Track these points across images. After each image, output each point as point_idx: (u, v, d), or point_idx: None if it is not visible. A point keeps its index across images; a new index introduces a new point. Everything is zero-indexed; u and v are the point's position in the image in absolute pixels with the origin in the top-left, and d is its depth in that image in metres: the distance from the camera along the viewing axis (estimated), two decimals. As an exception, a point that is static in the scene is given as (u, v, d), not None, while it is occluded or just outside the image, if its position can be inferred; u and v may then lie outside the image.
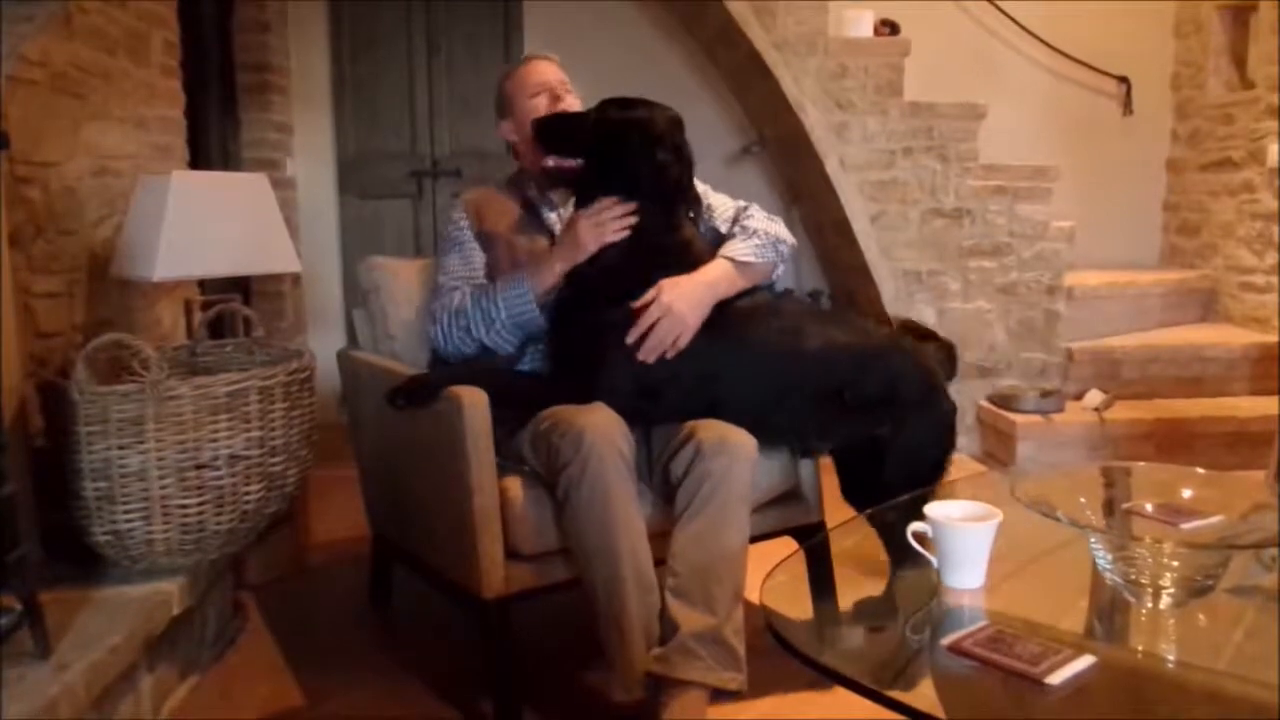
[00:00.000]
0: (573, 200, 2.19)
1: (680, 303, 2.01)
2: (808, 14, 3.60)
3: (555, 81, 2.32)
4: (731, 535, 1.86)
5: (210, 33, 3.91)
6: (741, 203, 2.30)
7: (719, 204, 2.30)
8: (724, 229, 2.24)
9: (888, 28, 3.88)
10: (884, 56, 3.70)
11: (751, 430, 1.97)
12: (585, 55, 4.48)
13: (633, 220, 2.07)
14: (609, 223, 2.07)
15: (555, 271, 2.10)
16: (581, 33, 4.55)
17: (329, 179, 4.63)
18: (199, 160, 3.39)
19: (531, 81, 2.32)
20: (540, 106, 2.28)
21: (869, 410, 2.03)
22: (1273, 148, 3.83)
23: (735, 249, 2.13)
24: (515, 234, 2.27)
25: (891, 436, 2.02)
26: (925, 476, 2.01)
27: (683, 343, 2.01)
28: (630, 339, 2.00)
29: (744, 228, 2.19)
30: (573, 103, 2.30)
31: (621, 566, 1.81)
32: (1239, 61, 4.32)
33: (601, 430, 1.86)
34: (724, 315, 2.06)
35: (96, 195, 2.49)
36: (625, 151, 2.08)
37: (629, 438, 1.91)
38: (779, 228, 2.23)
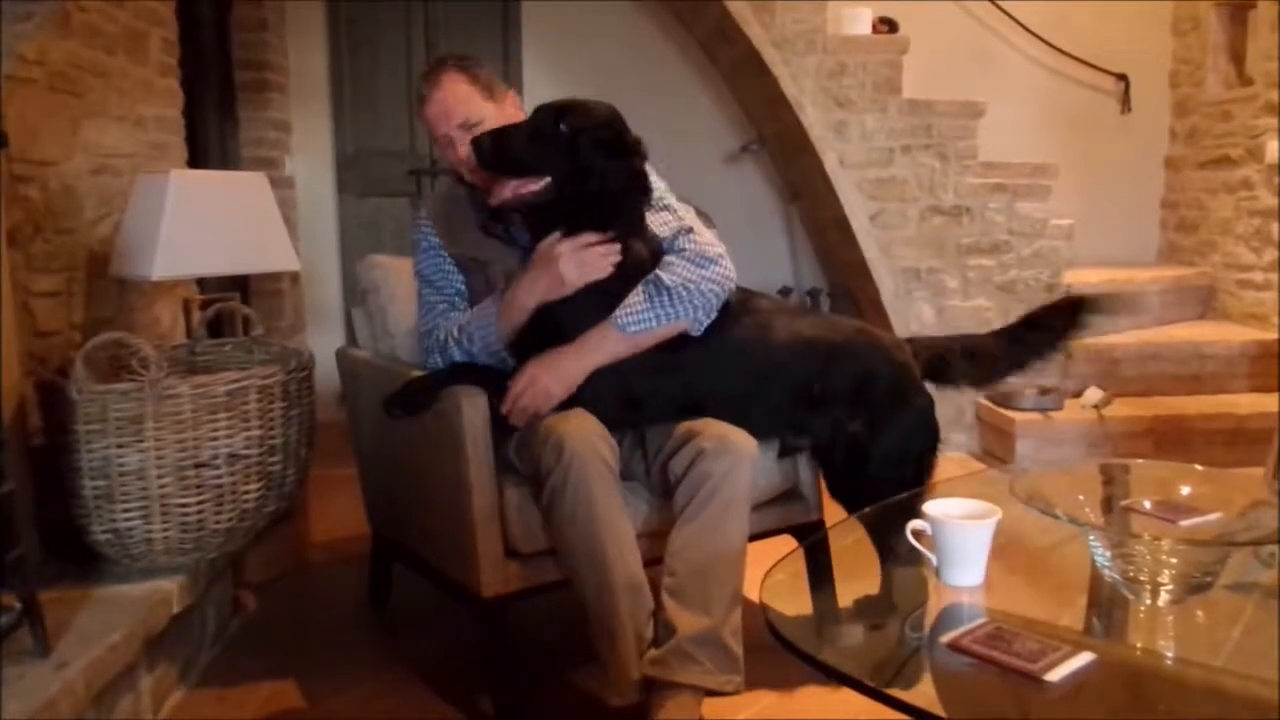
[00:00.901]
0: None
1: (546, 376, 1.93)
2: (806, 12, 3.60)
3: (454, 129, 2.08)
4: (731, 536, 1.85)
5: (208, 31, 3.91)
6: (683, 227, 2.04)
7: (657, 220, 2.07)
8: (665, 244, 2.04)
9: (886, 25, 3.89)
10: (882, 54, 3.70)
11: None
12: (583, 53, 4.51)
13: (616, 256, 1.95)
14: (594, 260, 1.94)
15: (528, 309, 1.97)
16: (579, 31, 4.55)
17: (328, 177, 4.63)
18: (197, 159, 3.39)
19: (434, 134, 2.14)
20: (452, 157, 2.12)
21: (840, 404, 2.02)
22: (1271, 144, 3.83)
23: (629, 313, 1.93)
24: (489, 255, 2.12)
25: (870, 437, 2.01)
26: (911, 477, 2.00)
27: (544, 410, 1.93)
28: (504, 409, 1.95)
29: (652, 282, 1.94)
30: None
31: (610, 573, 1.80)
32: (1237, 58, 4.32)
33: (582, 437, 1.84)
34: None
35: (95, 194, 2.49)
36: (607, 164, 1.93)
37: (610, 441, 1.90)
38: (707, 272, 1.96)
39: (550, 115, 1.94)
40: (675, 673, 1.75)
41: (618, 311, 1.94)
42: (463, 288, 2.15)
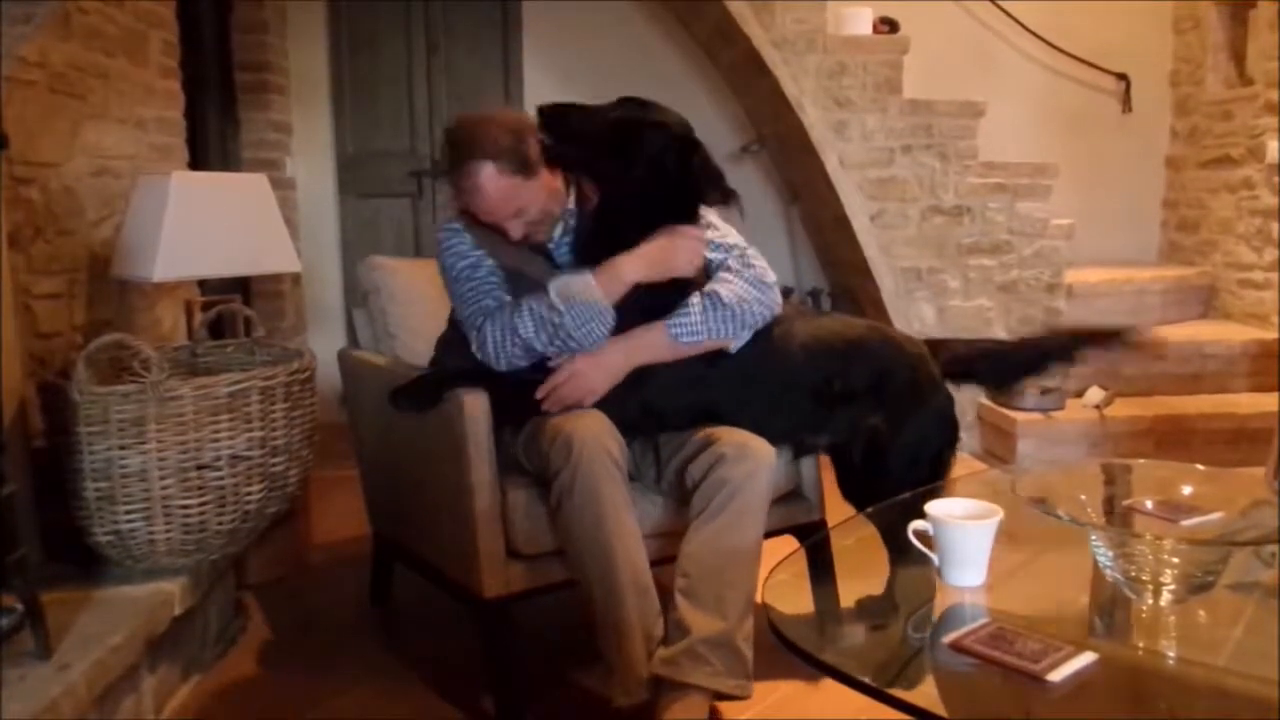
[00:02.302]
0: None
1: (591, 368, 1.95)
2: (806, 12, 3.60)
3: (506, 219, 1.99)
4: (746, 540, 1.85)
5: (209, 33, 3.91)
6: (735, 244, 2.07)
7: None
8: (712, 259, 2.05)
9: (886, 25, 3.89)
10: (883, 54, 3.70)
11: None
12: (583, 53, 4.51)
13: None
14: (697, 252, 1.98)
15: (629, 285, 1.94)
16: (579, 31, 4.55)
17: (328, 179, 4.63)
18: (198, 161, 3.39)
19: (480, 208, 1.99)
20: (509, 234, 2.02)
21: (859, 400, 2.02)
22: (1272, 144, 3.83)
23: (683, 322, 1.96)
24: (530, 268, 2.05)
25: (890, 433, 2.02)
26: (928, 472, 2.00)
27: (587, 403, 1.95)
28: (540, 394, 1.96)
29: (710, 295, 1.97)
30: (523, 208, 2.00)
31: (618, 572, 1.81)
32: (1238, 58, 4.32)
33: (591, 435, 1.85)
34: None
35: (96, 196, 2.49)
36: (670, 168, 1.96)
37: (620, 441, 1.90)
38: (757, 293, 1.99)
39: (630, 107, 1.96)
40: (686, 673, 1.75)
41: (672, 318, 1.96)
42: (501, 275, 2.06)
